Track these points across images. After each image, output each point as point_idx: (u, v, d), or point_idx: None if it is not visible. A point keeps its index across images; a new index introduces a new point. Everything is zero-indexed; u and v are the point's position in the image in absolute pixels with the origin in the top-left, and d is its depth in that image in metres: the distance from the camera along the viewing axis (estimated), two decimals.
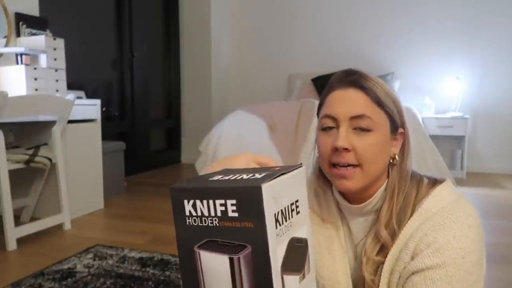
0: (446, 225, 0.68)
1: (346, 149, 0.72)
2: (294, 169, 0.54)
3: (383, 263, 0.74)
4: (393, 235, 0.73)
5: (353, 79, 0.76)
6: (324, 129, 0.77)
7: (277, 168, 0.54)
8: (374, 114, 0.73)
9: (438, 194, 0.73)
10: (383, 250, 0.75)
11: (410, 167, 0.78)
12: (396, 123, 0.77)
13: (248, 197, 0.45)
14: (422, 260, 0.67)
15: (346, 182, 0.74)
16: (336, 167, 0.74)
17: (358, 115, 0.73)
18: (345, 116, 0.73)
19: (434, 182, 0.76)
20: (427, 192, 0.74)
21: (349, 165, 0.73)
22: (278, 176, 0.49)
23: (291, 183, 0.53)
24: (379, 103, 0.74)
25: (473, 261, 0.66)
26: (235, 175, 0.52)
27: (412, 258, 0.69)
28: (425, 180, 0.77)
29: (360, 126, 0.73)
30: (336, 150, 0.73)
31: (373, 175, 0.74)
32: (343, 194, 0.81)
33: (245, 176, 0.50)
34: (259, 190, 0.45)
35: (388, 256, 0.73)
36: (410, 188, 0.76)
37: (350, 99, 0.74)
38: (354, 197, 0.79)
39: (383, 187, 0.77)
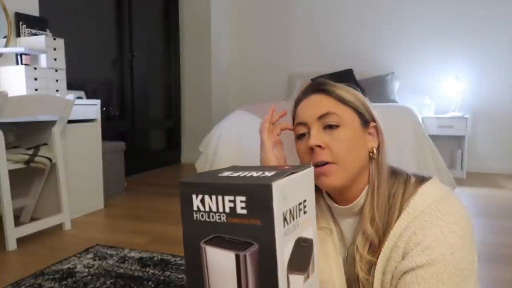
0: (434, 223, 0.69)
1: (319, 146, 0.75)
2: (303, 169, 0.54)
3: (375, 263, 0.74)
4: (380, 233, 0.74)
5: (314, 87, 0.82)
6: (298, 137, 0.81)
7: (286, 167, 0.54)
8: (339, 110, 0.77)
9: (425, 192, 0.74)
10: (374, 248, 0.75)
11: (386, 160, 0.80)
12: (366, 118, 0.79)
13: (258, 194, 0.45)
14: (412, 259, 0.67)
15: (325, 178, 0.76)
16: (315, 167, 0.76)
17: (324, 113, 0.77)
18: (313, 117, 0.78)
19: (421, 180, 0.77)
20: (414, 190, 0.74)
21: (326, 163, 0.75)
22: (288, 175, 0.49)
23: (300, 183, 0.53)
24: (342, 100, 0.78)
25: (463, 256, 0.66)
26: (245, 172, 0.52)
27: (403, 258, 0.69)
28: (412, 179, 0.77)
29: (328, 123, 0.76)
30: (311, 151, 0.76)
31: (352, 170, 0.76)
32: (332, 196, 0.83)
33: (254, 174, 0.50)
34: (269, 188, 0.45)
35: (380, 257, 0.73)
36: (397, 187, 0.77)
37: (314, 102, 0.80)
38: (341, 198, 0.81)
39: (368, 187, 0.78)
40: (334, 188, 0.78)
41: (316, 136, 0.75)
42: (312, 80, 4.08)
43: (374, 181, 0.78)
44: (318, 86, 0.81)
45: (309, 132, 0.78)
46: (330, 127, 0.76)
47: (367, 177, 0.79)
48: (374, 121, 0.81)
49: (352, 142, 0.76)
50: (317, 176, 0.76)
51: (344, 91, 0.79)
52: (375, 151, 0.79)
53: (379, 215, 0.74)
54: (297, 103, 0.84)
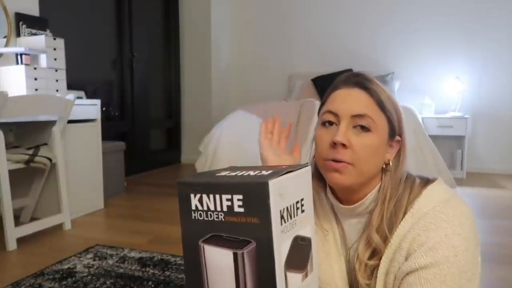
0: (438, 224, 0.68)
1: (344, 145, 0.72)
2: (300, 168, 0.54)
3: (377, 266, 0.74)
4: (385, 239, 0.74)
5: (358, 80, 0.77)
6: (324, 124, 0.77)
7: (283, 167, 0.54)
8: (375, 115, 0.74)
9: (430, 193, 0.73)
10: (376, 254, 0.75)
11: (403, 174, 0.79)
12: (395, 130, 0.77)
13: (255, 192, 0.46)
14: (415, 260, 0.67)
15: (338, 176, 0.74)
16: (330, 161, 0.75)
17: (359, 114, 0.74)
18: (347, 113, 0.74)
19: (426, 182, 0.76)
20: (419, 192, 0.74)
21: (344, 162, 0.73)
22: (284, 174, 0.49)
23: (297, 182, 0.53)
24: (381, 106, 0.75)
25: (466, 259, 0.66)
26: (242, 171, 0.53)
27: (406, 259, 0.69)
28: (417, 181, 0.77)
29: (360, 125, 0.73)
30: (334, 145, 0.73)
31: (365, 175, 0.75)
32: (336, 195, 0.82)
33: (252, 173, 0.51)
34: (266, 186, 0.45)
35: (383, 258, 0.73)
36: (403, 190, 0.76)
37: (353, 98, 0.75)
38: (346, 198, 0.80)
39: (375, 190, 0.77)
40: (343, 186, 0.76)
41: (345, 133, 0.73)
42: (312, 80, 4.08)
43: (386, 193, 0.76)
44: (362, 81, 0.77)
45: (336, 124, 0.75)
46: (361, 128, 0.73)
47: (376, 183, 0.78)
48: (400, 135, 0.79)
49: (376, 149, 0.74)
50: (329, 170, 0.75)
51: (386, 97, 0.76)
52: (391, 163, 0.77)
53: (386, 222, 0.74)
54: (334, 89, 0.80)
